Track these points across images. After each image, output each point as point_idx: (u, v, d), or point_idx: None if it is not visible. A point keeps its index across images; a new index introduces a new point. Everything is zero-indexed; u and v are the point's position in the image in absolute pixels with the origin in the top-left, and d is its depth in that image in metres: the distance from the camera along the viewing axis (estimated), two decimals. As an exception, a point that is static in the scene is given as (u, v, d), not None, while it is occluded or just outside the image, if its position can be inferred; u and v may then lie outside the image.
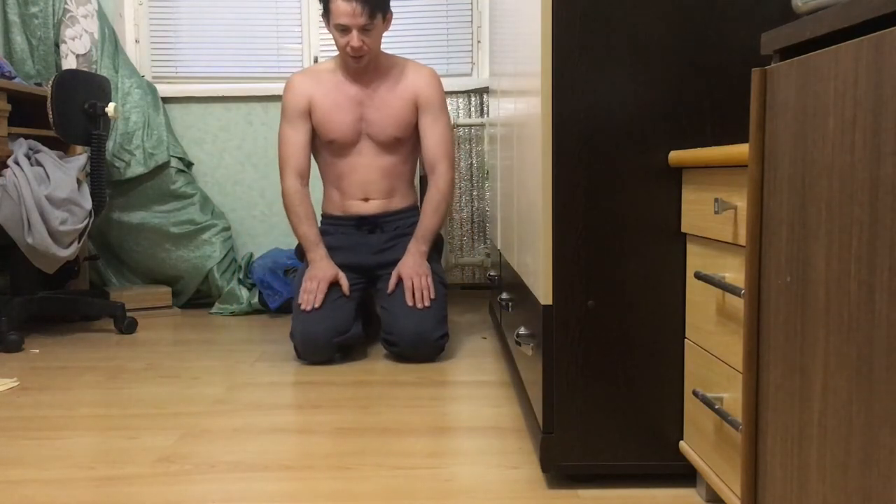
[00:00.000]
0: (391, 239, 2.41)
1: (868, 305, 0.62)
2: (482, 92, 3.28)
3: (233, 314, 3.07)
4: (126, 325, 2.70)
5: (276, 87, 3.31)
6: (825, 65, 0.69)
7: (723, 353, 1.11)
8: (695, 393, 1.17)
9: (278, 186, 3.30)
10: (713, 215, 1.13)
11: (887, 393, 0.60)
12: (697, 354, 1.22)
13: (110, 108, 2.69)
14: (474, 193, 3.32)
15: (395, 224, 2.42)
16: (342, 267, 2.32)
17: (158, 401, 1.87)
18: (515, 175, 1.75)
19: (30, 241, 2.42)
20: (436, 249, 2.42)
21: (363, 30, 2.22)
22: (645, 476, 1.35)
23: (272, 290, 3.01)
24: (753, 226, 0.85)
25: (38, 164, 2.56)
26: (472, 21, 3.39)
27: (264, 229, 3.43)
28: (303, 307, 2.22)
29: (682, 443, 1.30)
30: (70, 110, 2.60)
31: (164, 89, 3.30)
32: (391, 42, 3.31)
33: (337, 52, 2.35)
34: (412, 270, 2.28)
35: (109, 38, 3.16)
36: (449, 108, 2.74)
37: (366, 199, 2.41)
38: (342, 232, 2.42)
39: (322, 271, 2.28)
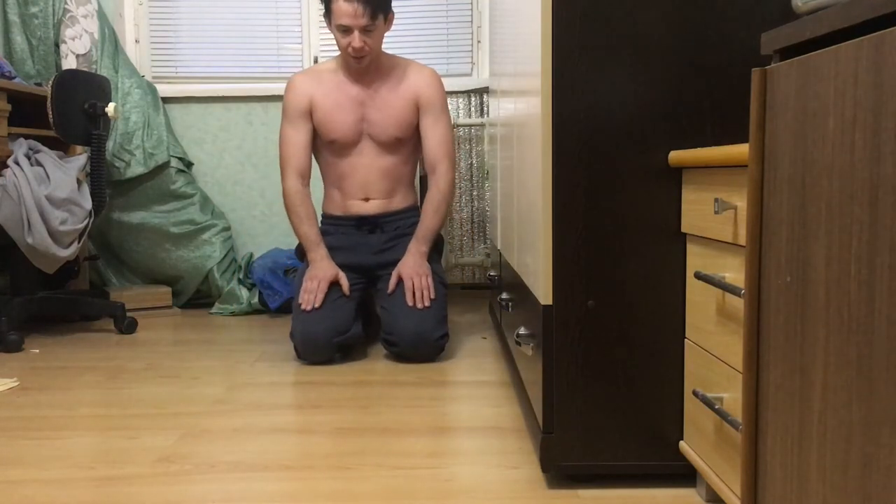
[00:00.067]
0: (391, 239, 2.41)
1: (868, 305, 0.62)
2: (482, 92, 3.28)
3: (233, 314, 3.07)
4: (126, 325, 2.70)
5: (276, 87, 3.31)
6: (825, 65, 0.69)
7: (723, 353, 1.11)
8: (695, 393, 1.17)
9: (278, 186, 3.31)
10: (713, 215, 1.13)
11: (887, 393, 0.60)
12: (697, 354, 1.22)
13: (110, 108, 2.69)
14: (474, 193, 3.32)
15: (396, 224, 2.43)
16: (342, 267, 2.32)
17: (158, 401, 1.87)
18: (515, 175, 1.75)
19: (30, 241, 2.42)
20: (436, 250, 2.42)
21: (365, 30, 2.22)
22: (645, 476, 1.35)
23: (272, 290, 3.01)
24: (753, 226, 0.85)
25: (38, 164, 2.56)
26: (472, 21, 3.39)
27: (264, 229, 3.43)
28: (303, 307, 2.22)
29: (682, 443, 1.30)
30: (70, 110, 2.60)
31: (164, 89, 3.30)
32: (391, 42, 3.31)
33: (338, 52, 2.35)
34: (412, 270, 2.28)
35: (109, 38, 3.16)
36: (449, 108, 2.74)
37: (366, 199, 2.41)
38: (342, 232, 2.42)
39: (322, 271, 2.28)
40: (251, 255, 3.31)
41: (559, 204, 1.28)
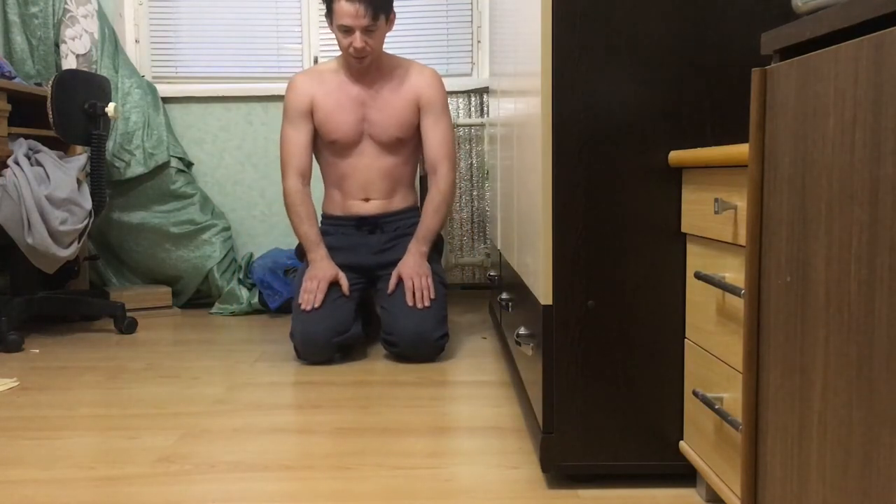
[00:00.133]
0: (391, 239, 2.41)
1: (868, 305, 0.62)
2: (482, 92, 3.28)
3: (233, 314, 3.07)
4: (126, 325, 2.70)
5: (276, 87, 3.31)
6: (825, 65, 0.69)
7: (723, 353, 1.11)
8: (695, 393, 1.17)
9: (278, 186, 3.31)
10: (713, 215, 1.13)
11: (887, 393, 0.60)
12: (697, 354, 1.22)
13: (110, 108, 2.69)
14: (474, 193, 3.32)
15: (396, 224, 2.43)
16: (342, 267, 2.32)
17: (158, 401, 1.87)
18: (515, 175, 1.75)
19: (30, 241, 2.42)
20: (436, 250, 2.42)
21: (366, 31, 2.22)
22: (645, 476, 1.35)
23: (272, 290, 3.01)
24: (753, 226, 0.85)
25: (38, 164, 2.56)
26: (472, 21, 3.39)
27: (264, 229, 3.43)
28: (303, 307, 2.22)
29: (682, 443, 1.30)
30: (70, 110, 2.60)
31: (164, 89, 3.30)
32: (391, 42, 3.31)
33: (338, 52, 2.35)
34: (412, 270, 2.28)
35: (109, 38, 3.16)
36: (449, 108, 2.74)
37: (366, 200, 2.41)
38: (342, 232, 2.42)
39: (322, 271, 2.28)
40: (251, 255, 3.31)
41: (559, 204, 1.28)
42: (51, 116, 2.53)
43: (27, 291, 2.64)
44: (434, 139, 2.36)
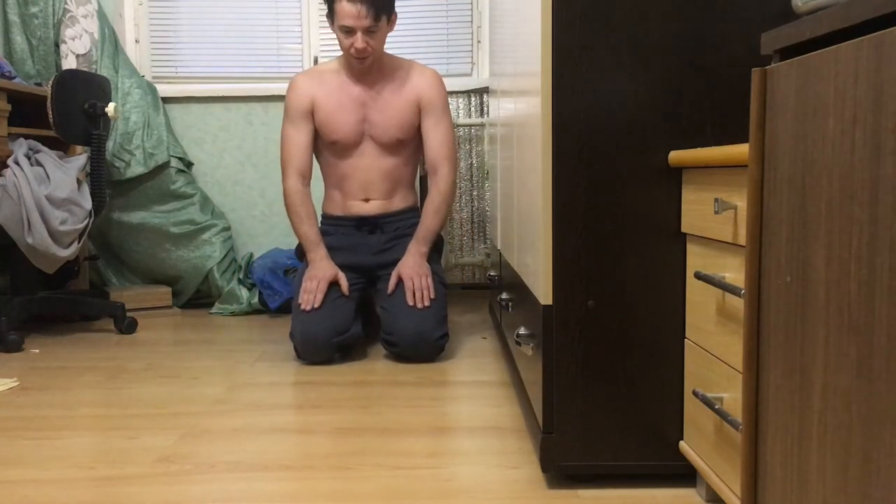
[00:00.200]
0: (391, 240, 2.41)
1: (868, 305, 0.62)
2: (482, 92, 3.28)
3: (233, 314, 3.07)
4: (126, 325, 2.70)
5: (276, 87, 3.31)
6: (825, 65, 0.69)
7: (723, 353, 1.11)
8: (695, 393, 1.17)
9: (278, 186, 3.31)
10: (713, 215, 1.13)
11: (887, 393, 0.60)
12: (697, 354, 1.22)
13: (110, 108, 2.69)
14: (474, 193, 3.32)
15: (396, 225, 2.43)
16: (342, 267, 2.32)
17: (158, 401, 1.87)
18: (515, 175, 1.75)
19: (30, 241, 2.42)
20: (436, 250, 2.43)
21: (368, 31, 2.22)
22: (645, 476, 1.35)
23: (272, 290, 3.01)
24: (753, 226, 0.85)
25: (38, 164, 2.56)
26: (472, 21, 3.39)
27: (264, 229, 3.43)
28: (303, 307, 2.22)
29: (682, 443, 1.30)
30: (70, 110, 2.60)
31: (164, 89, 3.30)
32: (391, 42, 3.30)
33: (339, 52, 2.35)
34: (412, 271, 2.28)
35: (109, 38, 3.16)
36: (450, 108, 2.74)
37: (366, 200, 2.41)
38: (342, 232, 2.42)
39: (322, 271, 2.28)
40: (251, 255, 3.31)
41: (559, 204, 1.28)
42: (51, 116, 2.53)
43: (27, 291, 2.64)
44: (435, 140, 2.36)
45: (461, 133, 3.29)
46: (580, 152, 1.27)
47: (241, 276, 3.20)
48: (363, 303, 2.43)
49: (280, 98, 3.32)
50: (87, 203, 2.60)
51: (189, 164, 3.29)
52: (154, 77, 3.43)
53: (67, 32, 3.10)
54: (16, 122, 2.68)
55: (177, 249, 3.15)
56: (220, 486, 1.35)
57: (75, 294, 2.94)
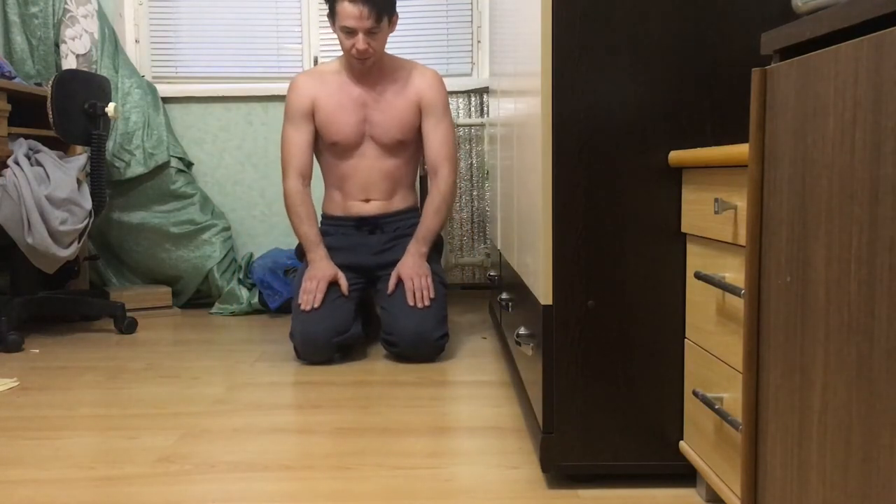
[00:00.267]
0: (391, 240, 2.41)
1: (868, 305, 0.62)
2: (482, 92, 3.28)
3: (233, 314, 3.07)
4: (126, 325, 2.70)
5: (276, 87, 3.31)
6: (825, 65, 0.69)
7: (723, 353, 1.11)
8: (695, 393, 1.17)
9: (278, 186, 3.31)
10: (713, 215, 1.13)
11: (887, 393, 0.60)
12: (697, 354, 1.22)
13: (110, 108, 2.69)
14: (474, 193, 3.32)
15: (396, 225, 2.43)
16: (342, 267, 2.32)
17: (158, 401, 1.87)
18: (515, 175, 1.75)
19: (30, 241, 2.42)
20: (436, 250, 2.43)
21: (369, 33, 2.22)
22: (645, 476, 1.35)
23: (272, 290, 3.01)
24: (753, 226, 0.85)
25: (38, 164, 2.56)
26: (472, 21, 3.39)
27: (264, 229, 3.43)
28: (302, 307, 2.22)
29: (682, 443, 1.30)
30: (70, 110, 2.60)
31: (164, 89, 3.30)
32: (392, 42, 3.30)
33: (339, 52, 2.35)
34: (412, 271, 2.28)
35: (109, 38, 3.16)
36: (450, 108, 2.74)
37: (367, 200, 2.41)
38: (342, 232, 2.42)
39: (321, 271, 2.28)
40: (251, 255, 3.31)
41: (559, 204, 1.28)
42: (51, 116, 2.53)
43: (27, 291, 2.64)
44: (435, 141, 2.36)
45: (461, 133, 3.29)
46: (580, 152, 1.27)
47: (241, 276, 3.20)
48: (363, 303, 2.43)
49: (280, 98, 3.32)
50: (87, 203, 2.60)
51: (189, 164, 3.29)
52: (154, 77, 3.43)
53: (67, 32, 3.10)
54: (16, 122, 2.68)
55: (177, 249, 3.15)
56: (220, 486, 1.35)
57: (75, 294, 2.94)
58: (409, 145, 2.41)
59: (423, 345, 2.19)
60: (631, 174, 1.28)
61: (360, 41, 2.22)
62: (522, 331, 1.48)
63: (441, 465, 1.44)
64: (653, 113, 1.27)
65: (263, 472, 1.41)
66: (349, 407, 1.80)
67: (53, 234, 2.46)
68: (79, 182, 2.62)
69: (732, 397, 1.08)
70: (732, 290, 1.02)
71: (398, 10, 2.33)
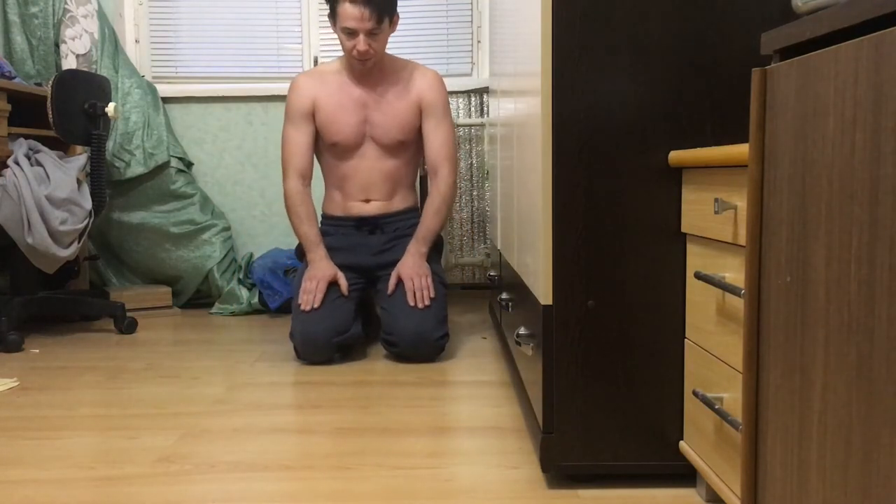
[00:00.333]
0: (391, 240, 2.41)
1: (868, 305, 0.62)
2: (482, 92, 3.28)
3: (233, 314, 3.07)
4: (126, 325, 2.70)
5: (276, 87, 3.31)
6: (825, 65, 0.69)
7: (723, 353, 1.11)
8: (695, 393, 1.17)
9: (278, 186, 3.31)
10: (713, 215, 1.13)
11: (887, 393, 0.60)
12: (697, 354, 1.22)
13: (110, 108, 2.69)
14: (474, 193, 3.32)
15: (396, 225, 2.43)
16: (342, 267, 2.32)
17: (158, 401, 1.87)
18: (515, 175, 1.75)
19: (30, 241, 2.42)
20: (436, 250, 2.43)
21: (370, 34, 2.22)
22: (645, 476, 1.35)
23: (272, 290, 3.01)
24: (753, 226, 0.85)
25: (38, 164, 2.56)
26: (472, 21, 3.39)
27: (264, 229, 3.43)
28: (302, 307, 2.22)
29: (682, 443, 1.30)
30: (70, 110, 2.60)
31: (164, 89, 3.30)
32: (391, 42, 3.30)
33: (339, 53, 2.34)
34: (412, 271, 2.28)
35: (109, 38, 3.16)
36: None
37: (367, 201, 2.41)
38: (342, 233, 2.42)
39: (321, 271, 2.28)
40: (251, 255, 3.31)
41: (559, 204, 1.28)
42: (51, 116, 2.53)
43: (27, 291, 2.64)
44: (435, 141, 2.36)
45: (461, 133, 3.29)
46: (580, 152, 1.27)
47: (241, 276, 3.20)
48: (363, 303, 2.43)
49: (280, 98, 3.32)
50: (87, 203, 2.60)
51: (189, 164, 3.29)
52: (154, 77, 3.43)
53: (67, 32, 3.10)
54: (16, 122, 2.68)
55: (177, 249, 3.15)
56: (220, 486, 1.35)
57: (75, 294, 2.94)
58: (410, 146, 2.41)
59: (423, 345, 2.19)
60: (631, 174, 1.28)
61: (361, 42, 2.22)
62: (522, 331, 1.48)
63: (441, 465, 1.44)
64: (653, 113, 1.27)
65: (263, 472, 1.41)
66: (349, 407, 1.80)
67: (53, 234, 2.46)
68: (79, 182, 2.62)
69: (732, 397, 1.08)
70: (732, 290, 1.02)
71: (399, 9, 2.33)
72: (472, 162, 3.31)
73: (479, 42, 3.40)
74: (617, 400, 1.31)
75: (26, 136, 2.68)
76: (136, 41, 3.43)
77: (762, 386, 0.84)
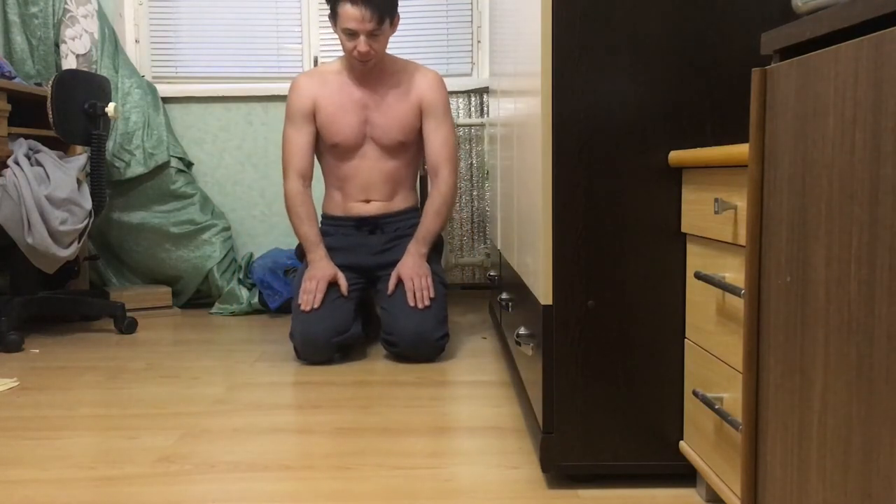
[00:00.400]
0: (391, 240, 2.41)
1: (868, 305, 0.62)
2: (482, 92, 3.28)
3: (233, 314, 3.07)
4: (126, 325, 2.70)
5: (276, 87, 3.31)
6: (825, 65, 0.69)
7: (723, 353, 1.11)
8: (695, 393, 1.17)
9: (278, 186, 3.31)
10: (713, 215, 1.13)
11: (887, 393, 0.60)
12: (697, 354, 1.22)
13: (110, 108, 2.69)
14: (474, 193, 3.32)
15: (396, 225, 2.43)
16: (342, 267, 2.32)
17: (158, 401, 1.87)
18: (515, 175, 1.75)
19: (30, 241, 2.42)
20: (436, 250, 2.42)
21: (371, 35, 2.22)
22: (645, 476, 1.35)
23: (272, 290, 3.01)
24: (753, 226, 0.85)
25: (38, 164, 2.56)
26: (472, 21, 3.39)
27: (264, 229, 3.43)
28: (302, 307, 2.22)
29: (682, 443, 1.30)
30: (70, 110, 2.60)
31: (164, 89, 3.30)
32: (391, 41, 3.30)
33: (339, 53, 2.34)
34: (412, 271, 2.28)
35: (109, 38, 3.16)
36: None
37: (367, 201, 2.41)
38: (342, 233, 2.42)
39: (321, 271, 2.28)
40: (251, 255, 3.31)
41: (559, 204, 1.28)
42: (51, 116, 2.53)
43: (27, 291, 2.64)
44: (436, 142, 2.36)
45: (461, 133, 3.29)
46: (580, 152, 1.27)
47: (241, 276, 3.20)
48: (363, 303, 2.43)
49: (280, 98, 3.32)
50: (87, 203, 2.60)
51: (189, 164, 3.29)
52: (154, 77, 3.43)
53: (67, 32, 3.10)
54: (16, 122, 2.68)
55: (177, 249, 3.15)
56: (220, 486, 1.35)
57: (75, 294, 2.94)
58: (410, 147, 2.41)
59: (424, 345, 2.19)
60: (631, 174, 1.28)
61: (362, 43, 2.21)
62: (522, 331, 1.48)
63: (441, 465, 1.44)
64: (653, 113, 1.27)
65: (263, 472, 1.41)
66: (349, 407, 1.80)
67: (53, 234, 2.46)
68: (79, 182, 2.62)
69: (732, 397, 1.08)
70: (732, 290, 1.02)
71: (398, 10, 2.33)
72: (472, 162, 3.31)
73: (479, 42, 3.40)
74: (617, 400, 1.31)
75: (26, 136, 2.68)
76: (136, 41, 3.43)
77: (762, 386, 0.84)
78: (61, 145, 2.84)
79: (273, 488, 1.34)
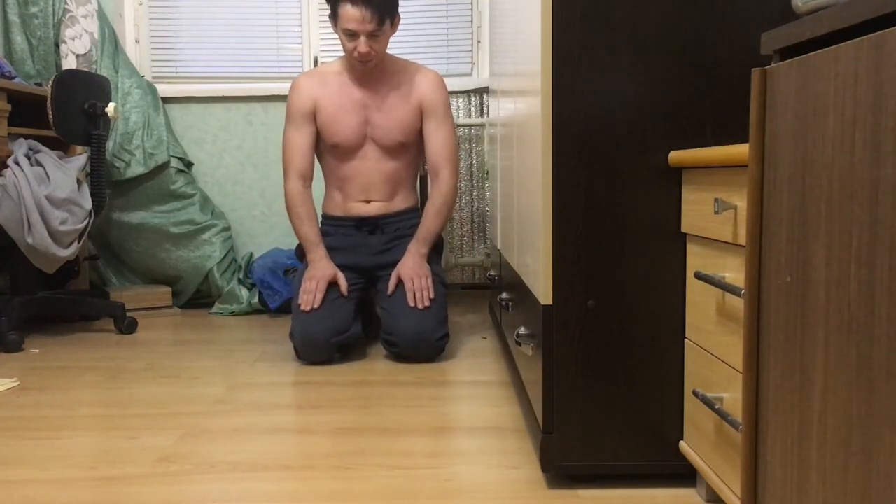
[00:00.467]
0: (391, 240, 2.41)
1: (868, 305, 0.62)
2: (482, 92, 3.28)
3: (233, 314, 3.07)
4: (126, 325, 2.70)
5: (276, 87, 3.31)
6: (825, 65, 0.69)
7: (723, 353, 1.11)
8: (695, 393, 1.17)
9: (278, 186, 3.31)
10: (713, 215, 1.13)
11: (887, 393, 0.60)
12: (697, 354, 1.22)
13: (110, 108, 2.69)
14: (474, 193, 3.32)
15: (396, 226, 2.43)
16: (342, 267, 2.32)
17: (158, 401, 1.87)
18: (515, 175, 1.75)
19: (30, 241, 2.42)
20: (436, 250, 2.42)
21: (371, 35, 2.22)
22: (645, 476, 1.35)
23: (272, 290, 3.01)
24: (753, 226, 0.85)
25: (38, 164, 2.56)
26: (472, 21, 3.39)
27: (264, 229, 3.43)
28: (302, 307, 2.22)
29: (682, 443, 1.30)
30: (70, 110, 2.60)
31: (164, 89, 3.30)
32: (391, 42, 3.30)
33: (340, 53, 2.34)
34: (412, 271, 2.28)
35: (109, 38, 3.16)
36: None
37: (367, 201, 2.41)
38: (342, 233, 2.42)
39: (321, 271, 2.28)
40: (251, 255, 3.31)
41: (559, 204, 1.28)
42: (51, 116, 2.53)
43: (27, 291, 2.64)
44: (436, 143, 2.36)
45: (461, 133, 3.29)
46: (580, 152, 1.27)
47: (241, 276, 3.20)
48: (363, 303, 2.43)
49: (280, 98, 3.32)
50: (87, 203, 2.60)
51: (189, 164, 3.29)
52: (154, 77, 3.43)
53: (67, 32, 3.10)
54: (16, 122, 2.68)
55: (177, 249, 3.15)
56: (220, 486, 1.35)
57: (75, 294, 2.94)
58: (411, 147, 2.40)
59: (424, 345, 2.19)
60: (631, 174, 1.28)
61: (362, 44, 2.21)
62: (522, 331, 1.48)
63: (441, 465, 1.44)
64: (653, 113, 1.27)
65: (263, 472, 1.41)
66: (349, 407, 1.80)
67: (53, 234, 2.46)
68: (79, 182, 2.62)
69: (732, 397, 1.08)
70: (732, 290, 1.02)
71: (399, 11, 2.33)
72: (472, 162, 3.31)
73: (479, 42, 3.40)
74: (617, 400, 1.31)
75: (26, 136, 2.68)
76: (136, 41, 3.43)
77: (762, 386, 0.84)
78: (61, 145, 2.84)
79: (273, 488, 1.34)
